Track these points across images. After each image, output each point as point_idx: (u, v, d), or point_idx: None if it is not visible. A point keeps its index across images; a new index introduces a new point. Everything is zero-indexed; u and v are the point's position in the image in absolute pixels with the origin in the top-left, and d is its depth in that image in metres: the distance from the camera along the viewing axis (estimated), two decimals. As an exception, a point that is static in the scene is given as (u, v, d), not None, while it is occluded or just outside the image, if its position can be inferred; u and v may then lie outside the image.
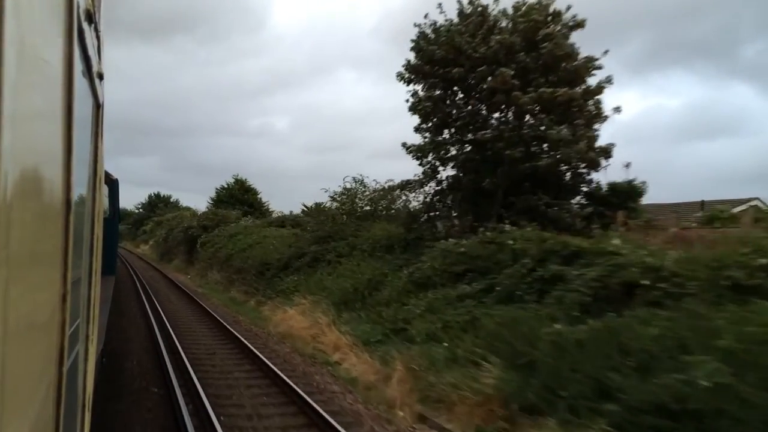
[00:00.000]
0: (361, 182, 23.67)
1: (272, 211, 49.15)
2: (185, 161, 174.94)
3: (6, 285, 0.81)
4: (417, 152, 16.67)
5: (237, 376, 10.49)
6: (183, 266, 39.21)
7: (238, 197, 50.62)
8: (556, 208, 14.21)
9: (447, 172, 17.28)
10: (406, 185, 17.49)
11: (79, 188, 2.10)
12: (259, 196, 53.34)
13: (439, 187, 17.24)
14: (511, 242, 11.62)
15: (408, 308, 12.74)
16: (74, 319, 2.20)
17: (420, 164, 17.41)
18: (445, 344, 10.52)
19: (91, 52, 2.18)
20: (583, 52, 14.95)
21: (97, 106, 3.04)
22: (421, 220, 17.66)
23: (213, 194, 51.91)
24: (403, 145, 17.31)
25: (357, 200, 23.21)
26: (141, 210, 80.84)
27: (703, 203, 25.59)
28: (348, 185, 23.82)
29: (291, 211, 37.10)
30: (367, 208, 23.27)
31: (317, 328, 15.13)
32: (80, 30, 1.70)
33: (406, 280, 14.28)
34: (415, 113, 16.51)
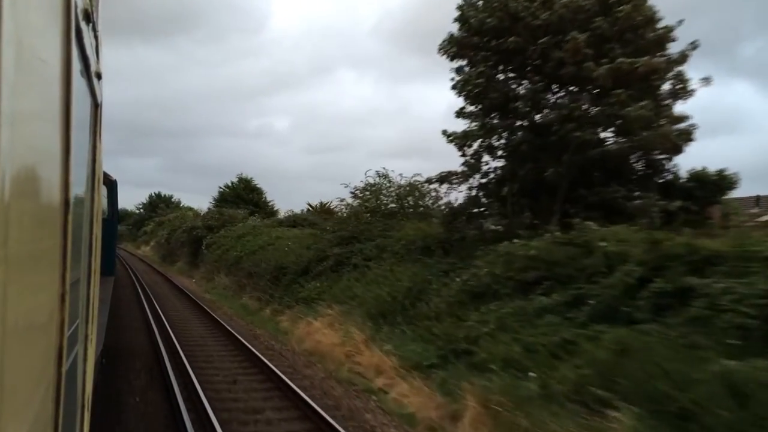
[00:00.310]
0: (386, 176, 21.45)
1: (276, 210, 47.07)
2: (185, 162, 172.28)
3: (5, 285, 0.81)
4: (462, 140, 14.45)
5: (270, 416, 8.24)
6: (187, 269, 36.98)
7: (243, 197, 48.48)
8: (638, 201, 11.97)
9: (495, 163, 15.11)
10: (446, 178, 15.24)
11: (78, 188, 2.07)
12: (264, 195, 51.19)
13: (485, 180, 15.02)
14: (603, 244, 9.37)
15: (470, 325, 10.49)
16: (73, 319, 2.14)
17: (462, 155, 15.21)
18: (532, 374, 8.30)
19: (89, 51, 2.16)
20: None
21: (96, 106, 3.01)
22: (463, 218, 15.44)
23: (214, 195, 49.75)
24: (444, 132, 15.09)
25: (382, 197, 20.97)
26: (141, 210, 78.44)
27: (758, 198, 23.48)
28: (371, 180, 21.61)
29: (302, 210, 34.95)
30: (393, 205, 21.05)
31: (351, 345, 12.90)
32: (78, 30, 1.67)
33: (458, 289, 12.04)
34: (460, 94, 14.27)
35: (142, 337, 14.16)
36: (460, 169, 15.19)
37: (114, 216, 15.18)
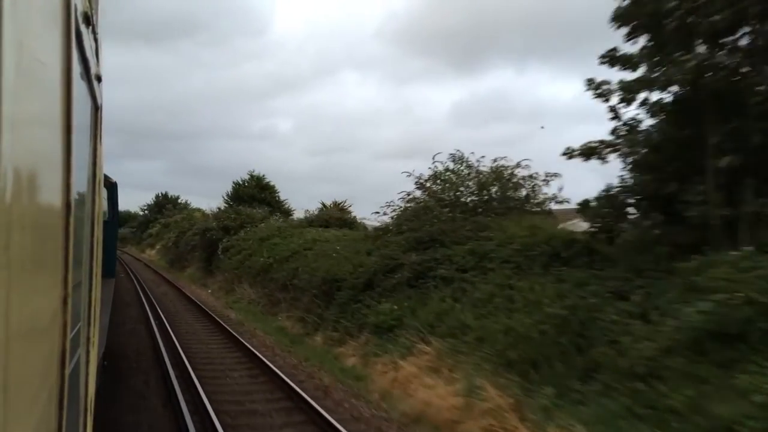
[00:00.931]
0: (462, 160, 16.67)
1: (293, 211, 42.31)
2: (189, 165, 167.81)
3: (7, 288, 0.80)
4: (629, 92, 9.75)
5: None
6: (200, 276, 32.27)
7: (255, 196, 43.71)
8: None
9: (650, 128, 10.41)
10: (593, 150, 10.45)
11: (79, 191, 2.07)
12: (278, 194, 46.35)
13: (645, 150, 10.30)
14: None
15: (762, 402, 5.70)
16: (75, 322, 2.13)
17: (613, 117, 10.49)
18: None
19: (89, 54, 2.15)
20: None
21: (96, 109, 2.99)
22: (616, 209, 10.72)
23: (218, 197, 45.03)
24: (589, 83, 10.40)
25: (462, 187, 16.19)
26: (146, 212, 73.44)
27: None
28: (440, 166, 16.82)
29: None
30: (473, 197, 16.29)
31: (488, 412, 8.15)
32: (78, 32, 1.66)
33: (682, 327, 7.25)
34: (624, 25, 9.57)
35: (157, 400, 9.37)
36: (614, 139, 10.47)
37: (114, 218, 15.36)
